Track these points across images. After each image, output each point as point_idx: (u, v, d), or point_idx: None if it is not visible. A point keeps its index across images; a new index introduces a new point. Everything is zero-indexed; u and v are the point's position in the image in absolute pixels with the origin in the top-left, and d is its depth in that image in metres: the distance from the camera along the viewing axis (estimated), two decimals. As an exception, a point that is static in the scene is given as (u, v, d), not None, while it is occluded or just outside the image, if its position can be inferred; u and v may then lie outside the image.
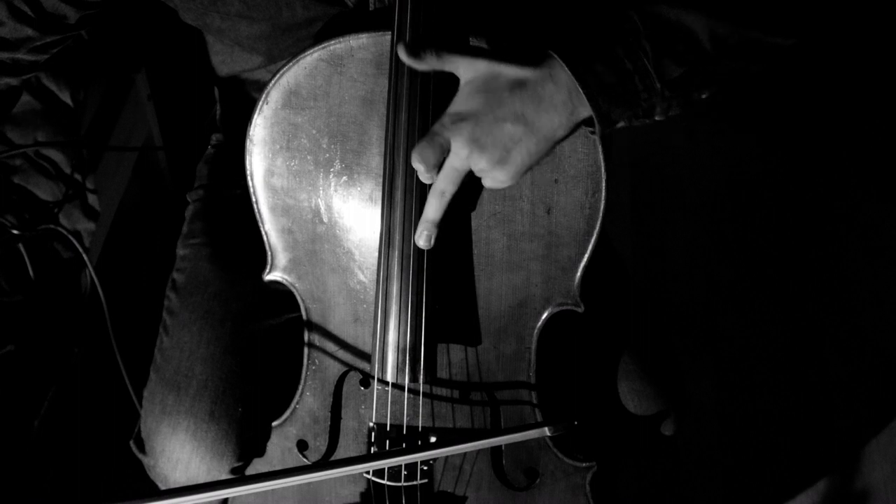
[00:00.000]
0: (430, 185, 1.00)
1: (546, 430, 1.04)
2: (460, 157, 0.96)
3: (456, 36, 1.00)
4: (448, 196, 0.98)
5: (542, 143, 0.96)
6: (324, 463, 1.14)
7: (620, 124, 0.98)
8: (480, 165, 0.96)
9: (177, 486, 1.21)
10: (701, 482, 1.93)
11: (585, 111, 0.95)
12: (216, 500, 1.21)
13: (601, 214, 1.05)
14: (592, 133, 1.00)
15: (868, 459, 1.96)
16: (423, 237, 1.01)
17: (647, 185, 2.41)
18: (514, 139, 0.95)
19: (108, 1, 1.13)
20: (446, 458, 1.15)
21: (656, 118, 1.00)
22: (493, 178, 0.98)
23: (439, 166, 0.98)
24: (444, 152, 0.96)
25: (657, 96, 0.97)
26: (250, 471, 1.22)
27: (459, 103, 0.96)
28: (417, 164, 0.97)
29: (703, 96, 1.01)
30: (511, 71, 0.95)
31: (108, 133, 1.70)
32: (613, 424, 1.26)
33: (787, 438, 2.00)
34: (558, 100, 0.94)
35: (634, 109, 0.97)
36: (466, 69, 0.96)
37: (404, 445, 1.11)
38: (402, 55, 0.96)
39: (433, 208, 0.99)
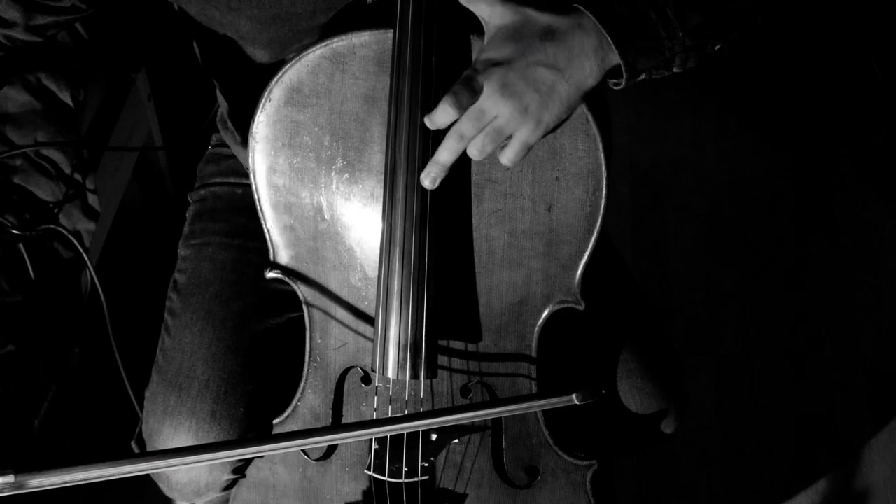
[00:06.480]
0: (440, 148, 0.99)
1: (574, 398, 1.01)
2: (491, 100, 0.95)
3: (462, 32, 1.00)
4: (466, 140, 0.97)
5: (574, 91, 0.97)
6: (336, 427, 1.14)
7: (642, 77, 1.00)
8: (509, 111, 0.96)
9: (179, 485, 1.21)
10: (701, 482, 1.93)
11: (614, 58, 0.96)
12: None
13: (602, 212, 1.05)
14: (616, 86, 1.00)
15: (868, 459, 1.96)
16: (430, 178, 1.00)
17: (647, 185, 2.41)
18: (547, 84, 0.95)
19: None
20: (447, 454, 1.15)
21: (674, 69, 1.01)
22: (520, 135, 0.97)
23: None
24: (476, 97, 0.96)
25: (679, 45, 0.98)
26: (251, 469, 1.22)
27: (490, 50, 0.97)
28: (451, 107, 0.95)
29: (716, 48, 1.02)
30: (541, 18, 0.96)
31: (108, 133, 1.70)
32: (614, 422, 1.26)
33: (787, 438, 2.00)
34: (589, 46, 0.96)
35: (658, 59, 0.98)
36: (495, 14, 0.97)
37: (405, 442, 1.12)
38: None
39: (448, 150, 0.98)
